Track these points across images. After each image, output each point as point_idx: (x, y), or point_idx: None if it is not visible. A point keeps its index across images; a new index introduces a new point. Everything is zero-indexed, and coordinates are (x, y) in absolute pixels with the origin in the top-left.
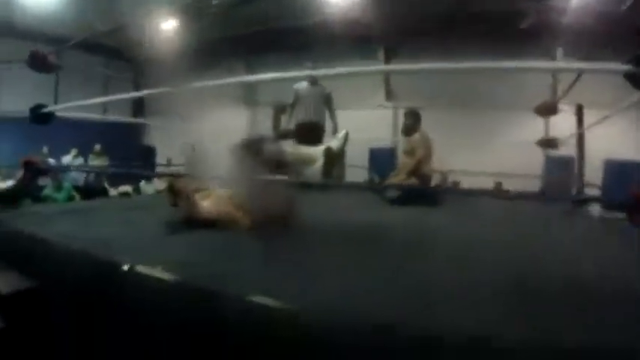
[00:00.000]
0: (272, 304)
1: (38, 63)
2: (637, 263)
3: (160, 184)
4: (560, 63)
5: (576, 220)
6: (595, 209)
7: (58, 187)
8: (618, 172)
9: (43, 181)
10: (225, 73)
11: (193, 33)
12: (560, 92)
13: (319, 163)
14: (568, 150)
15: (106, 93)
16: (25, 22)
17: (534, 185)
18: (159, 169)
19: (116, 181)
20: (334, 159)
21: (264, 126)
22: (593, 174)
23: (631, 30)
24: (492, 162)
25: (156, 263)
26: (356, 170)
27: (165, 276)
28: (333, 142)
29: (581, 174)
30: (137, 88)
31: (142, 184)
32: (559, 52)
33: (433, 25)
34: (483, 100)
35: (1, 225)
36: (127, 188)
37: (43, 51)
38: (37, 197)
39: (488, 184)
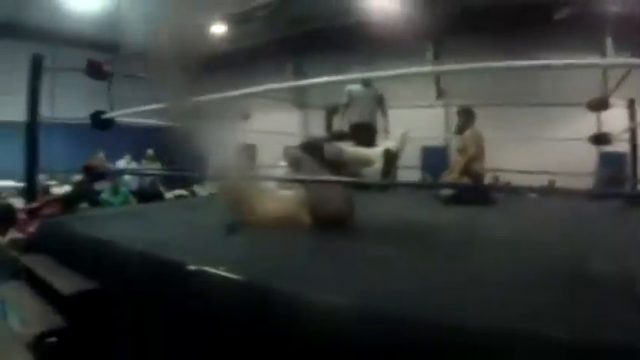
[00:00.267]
0: (337, 302)
1: (94, 71)
2: None
3: (214, 187)
4: (608, 60)
5: (631, 216)
6: None
7: (115, 191)
8: None
9: (99, 185)
10: (273, 75)
11: (241, 36)
12: (611, 86)
13: (379, 164)
14: (621, 146)
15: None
16: (77, 31)
17: (587, 182)
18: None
19: (171, 184)
20: (393, 160)
21: (316, 127)
22: None
23: None
24: (544, 160)
25: (219, 263)
26: (407, 170)
27: (230, 275)
28: (391, 143)
29: (634, 169)
30: (189, 91)
31: (197, 187)
32: (608, 42)
33: (480, 20)
34: (534, 97)
35: (62, 228)
36: (181, 191)
37: (99, 59)
38: (94, 201)
39: (540, 182)
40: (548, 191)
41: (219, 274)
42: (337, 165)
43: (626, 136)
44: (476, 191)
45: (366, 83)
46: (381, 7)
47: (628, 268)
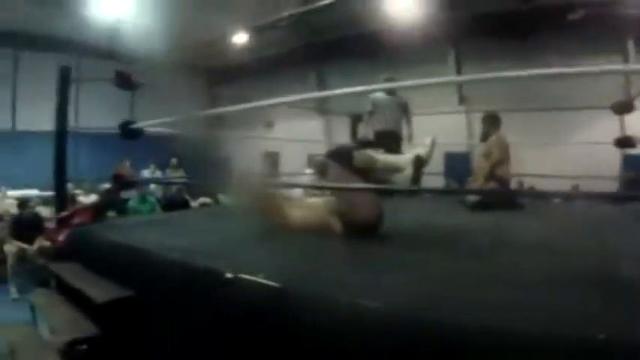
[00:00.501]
0: (372, 307)
1: (123, 81)
2: None
3: (239, 195)
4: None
5: None
6: None
7: (143, 200)
8: None
9: (124, 193)
10: (296, 83)
11: (264, 46)
12: (634, 89)
13: (408, 170)
14: None
15: (179, 106)
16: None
17: (611, 186)
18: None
19: (195, 193)
20: (423, 166)
21: (339, 134)
22: None
23: None
24: (568, 163)
25: (254, 270)
26: (431, 176)
27: (266, 282)
28: (421, 150)
29: None
30: (211, 101)
31: (221, 195)
32: (630, 45)
33: (500, 23)
34: (557, 100)
35: (92, 236)
36: (206, 200)
37: (127, 70)
38: (121, 210)
39: (564, 186)
40: (573, 195)
41: (255, 281)
42: (366, 172)
43: None
44: (502, 196)
45: (391, 91)
46: (401, 14)
47: None
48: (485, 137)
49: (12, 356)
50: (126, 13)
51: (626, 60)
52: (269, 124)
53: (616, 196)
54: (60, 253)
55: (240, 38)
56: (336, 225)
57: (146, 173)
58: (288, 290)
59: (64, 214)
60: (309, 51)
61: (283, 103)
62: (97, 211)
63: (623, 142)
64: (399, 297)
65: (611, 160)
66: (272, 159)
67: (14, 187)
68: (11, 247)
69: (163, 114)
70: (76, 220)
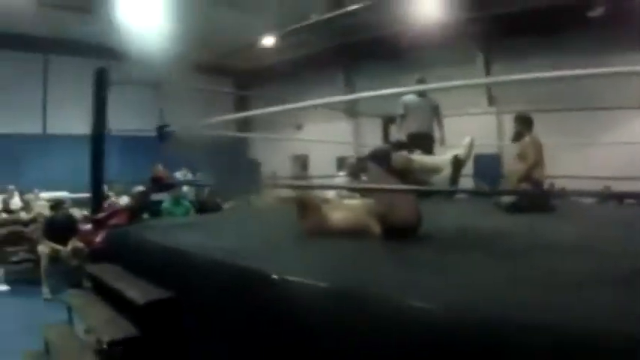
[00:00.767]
0: (420, 306)
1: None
2: None
3: (269, 197)
4: None
5: None
6: None
7: (177, 202)
8: None
9: (157, 196)
10: (325, 83)
11: (292, 48)
12: None
13: (447, 171)
14: None
15: (208, 109)
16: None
17: None
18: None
19: (227, 195)
20: (461, 167)
21: (368, 135)
22: None
23: None
24: (599, 164)
25: (297, 271)
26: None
27: (310, 282)
28: (459, 151)
29: None
30: (239, 103)
31: (253, 197)
32: None
33: (528, 23)
34: (586, 100)
35: (130, 237)
36: (238, 202)
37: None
38: (154, 212)
39: (595, 187)
40: (607, 196)
41: (300, 282)
42: (404, 173)
43: None
44: (537, 198)
45: (421, 93)
46: (429, 15)
47: None
48: (517, 138)
49: (49, 355)
50: (154, 17)
51: None
52: (298, 127)
53: None
54: (97, 255)
55: (269, 40)
56: (375, 227)
57: (178, 176)
58: (337, 292)
59: (101, 215)
60: (338, 52)
61: (314, 106)
62: (133, 213)
63: None
64: (449, 298)
65: None
66: (301, 161)
67: (45, 189)
68: (44, 248)
69: (192, 117)
70: (113, 222)
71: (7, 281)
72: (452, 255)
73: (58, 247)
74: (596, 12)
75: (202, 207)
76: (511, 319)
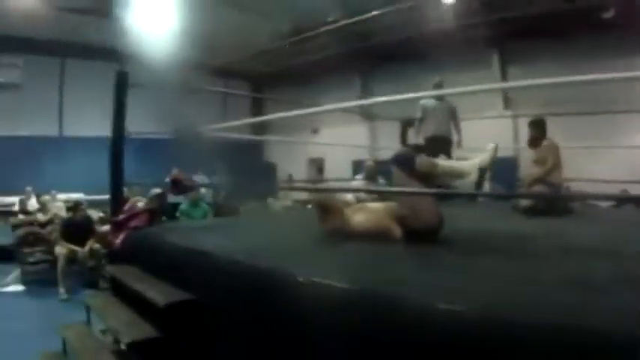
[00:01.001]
0: (445, 308)
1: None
2: None
3: (286, 200)
4: None
5: None
6: None
7: (195, 204)
8: None
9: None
10: (341, 87)
11: (309, 50)
12: None
13: (474, 176)
14: None
15: (224, 111)
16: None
17: None
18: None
19: (244, 198)
20: (486, 172)
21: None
22: None
23: None
24: (616, 168)
25: (320, 273)
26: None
27: (333, 284)
28: (485, 155)
29: None
30: (256, 106)
31: (270, 200)
32: None
33: (544, 25)
34: (603, 103)
35: (151, 239)
36: (255, 205)
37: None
38: (171, 214)
39: (611, 191)
40: (625, 199)
41: (323, 284)
42: (428, 177)
43: None
44: (556, 201)
45: (439, 97)
46: (444, 18)
47: None
48: (533, 143)
49: (68, 356)
50: (170, 20)
51: None
52: (314, 131)
53: None
54: (116, 256)
55: (286, 43)
56: (396, 230)
57: (196, 179)
58: (361, 294)
59: (121, 217)
60: (353, 56)
61: (332, 110)
62: (153, 215)
63: None
64: (479, 300)
65: None
66: (317, 164)
67: (60, 191)
68: (62, 249)
69: (208, 120)
70: (133, 224)
71: (23, 281)
72: (474, 258)
73: (76, 248)
74: (609, 13)
75: (220, 210)
76: (534, 321)
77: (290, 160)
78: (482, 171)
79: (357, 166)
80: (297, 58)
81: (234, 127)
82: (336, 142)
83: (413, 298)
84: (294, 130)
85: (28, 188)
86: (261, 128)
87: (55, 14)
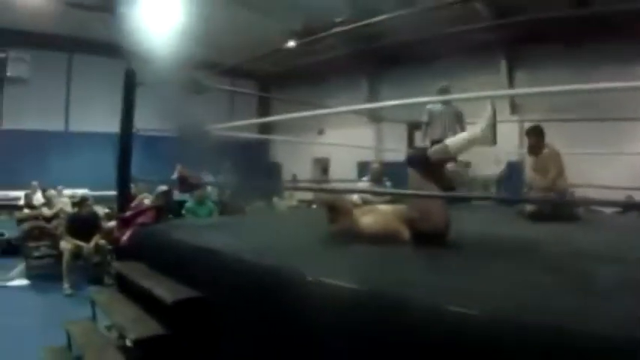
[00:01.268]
0: (454, 311)
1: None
2: None
3: (291, 200)
4: None
5: None
6: None
7: (201, 202)
8: None
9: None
10: (348, 88)
11: (316, 51)
12: None
13: (489, 135)
14: None
15: (232, 110)
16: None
17: None
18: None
19: (249, 197)
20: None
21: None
22: None
23: None
24: (621, 174)
25: (329, 273)
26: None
27: (341, 284)
28: (486, 115)
29: None
30: (262, 105)
31: (275, 200)
32: None
33: (553, 31)
34: (607, 109)
35: (157, 236)
36: (260, 204)
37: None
38: (176, 212)
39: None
40: (630, 206)
41: (330, 284)
42: (440, 180)
43: None
44: (560, 207)
45: (445, 101)
46: (450, 21)
47: None
48: (533, 151)
49: (72, 351)
50: (177, 18)
51: None
52: (320, 132)
53: None
54: (122, 252)
55: (293, 44)
56: (404, 232)
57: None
58: (368, 294)
59: (128, 213)
60: (361, 58)
61: (340, 112)
62: (159, 212)
63: None
64: (485, 303)
65: None
66: (322, 165)
67: (66, 186)
68: (67, 245)
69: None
70: (140, 220)
71: (28, 276)
72: (479, 261)
73: (81, 243)
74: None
75: (225, 208)
76: (538, 324)
77: (295, 160)
78: (493, 128)
79: (363, 168)
80: (304, 58)
81: (241, 126)
82: (340, 143)
83: (419, 299)
84: (300, 130)
85: (34, 182)
86: (267, 128)
87: (63, 10)
